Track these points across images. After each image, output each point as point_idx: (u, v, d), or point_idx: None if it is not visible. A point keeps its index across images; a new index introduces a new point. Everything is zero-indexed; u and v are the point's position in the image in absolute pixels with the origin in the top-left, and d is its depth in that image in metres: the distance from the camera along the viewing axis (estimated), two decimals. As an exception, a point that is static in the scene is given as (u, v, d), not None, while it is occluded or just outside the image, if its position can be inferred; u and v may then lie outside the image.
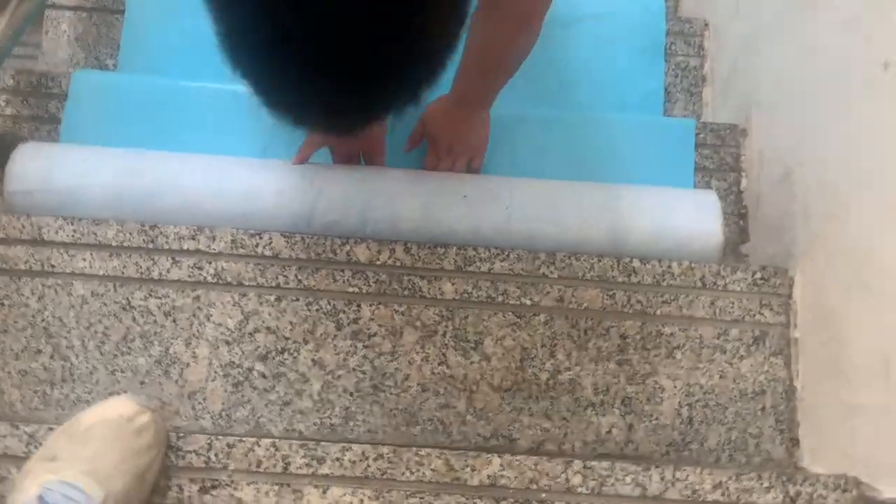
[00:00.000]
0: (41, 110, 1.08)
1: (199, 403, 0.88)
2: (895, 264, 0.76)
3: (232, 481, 0.73)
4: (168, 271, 0.90)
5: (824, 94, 0.92)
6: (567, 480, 0.74)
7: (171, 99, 1.09)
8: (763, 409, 0.92)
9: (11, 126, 1.08)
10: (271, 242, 0.91)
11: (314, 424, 0.89)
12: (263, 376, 0.89)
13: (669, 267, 0.93)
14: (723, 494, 0.75)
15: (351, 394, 0.90)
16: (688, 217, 0.98)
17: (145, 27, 1.23)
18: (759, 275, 0.94)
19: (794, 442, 0.91)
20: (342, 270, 0.90)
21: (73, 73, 1.11)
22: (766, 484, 0.75)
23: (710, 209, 0.99)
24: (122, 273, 0.90)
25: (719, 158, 1.13)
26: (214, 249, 0.90)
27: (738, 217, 1.12)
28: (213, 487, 0.73)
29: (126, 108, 1.09)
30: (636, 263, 0.93)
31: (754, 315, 0.93)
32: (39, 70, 1.16)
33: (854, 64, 0.85)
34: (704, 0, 1.35)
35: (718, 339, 0.92)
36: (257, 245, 0.90)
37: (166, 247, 0.90)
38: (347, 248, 0.91)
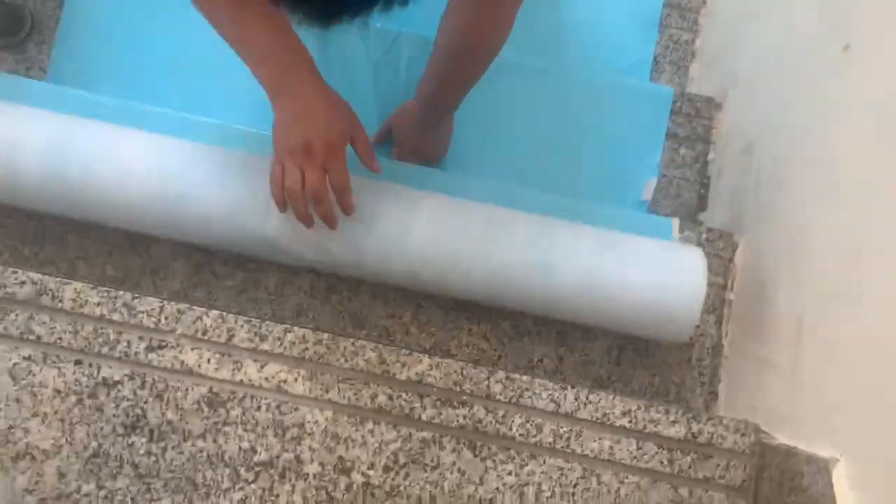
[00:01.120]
0: (48, -13, 1.12)
1: (160, 280, 0.93)
2: (821, 235, 0.81)
3: (178, 344, 0.78)
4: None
5: (791, 73, 0.96)
6: (488, 388, 0.80)
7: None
8: (689, 360, 0.97)
9: (19, -1, 1.11)
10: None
11: (265, 314, 0.94)
12: (224, 264, 0.94)
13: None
14: (630, 421, 0.80)
15: (305, 292, 0.95)
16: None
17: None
18: (705, 236, 0.99)
19: (714, 395, 0.97)
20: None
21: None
22: (672, 418, 0.81)
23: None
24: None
25: (691, 128, 1.17)
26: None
27: (700, 186, 1.16)
28: (160, 347, 0.78)
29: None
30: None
31: (694, 273, 0.98)
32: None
33: (819, 45, 0.89)
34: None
35: (657, 289, 0.97)
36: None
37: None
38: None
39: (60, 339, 0.78)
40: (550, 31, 1.26)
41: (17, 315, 0.78)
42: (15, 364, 0.77)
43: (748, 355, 0.92)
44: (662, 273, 0.87)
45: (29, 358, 0.77)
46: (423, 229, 0.86)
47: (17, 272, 0.79)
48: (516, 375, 0.80)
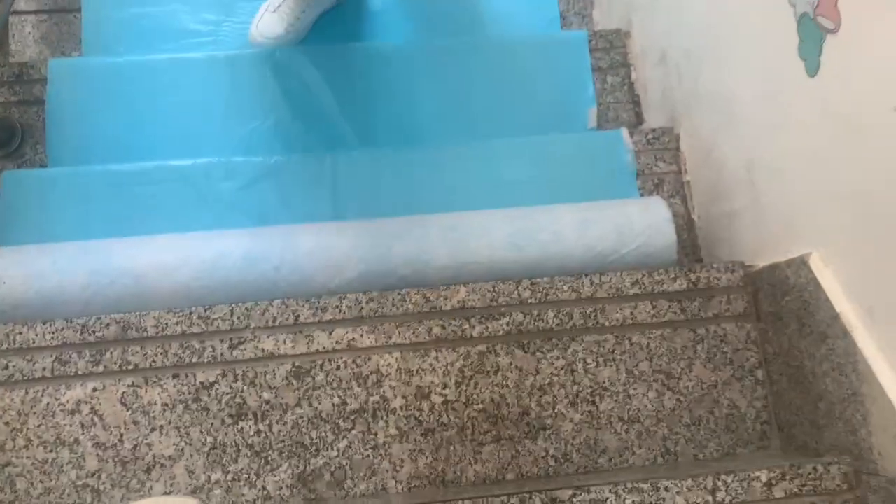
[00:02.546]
0: (27, 95, 1.24)
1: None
2: (745, 96, 0.98)
3: (254, 336, 0.91)
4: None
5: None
6: (519, 295, 0.94)
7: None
8: (670, 240, 1.13)
9: (3, 111, 1.23)
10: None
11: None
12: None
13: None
14: (640, 288, 0.95)
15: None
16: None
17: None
18: (650, 135, 1.16)
19: (700, 262, 1.13)
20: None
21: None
22: (672, 276, 0.96)
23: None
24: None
25: (611, 59, 1.34)
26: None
27: (633, 104, 1.33)
28: (240, 343, 0.91)
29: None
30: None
31: (651, 167, 1.14)
32: (18, 62, 1.31)
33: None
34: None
35: (626, 189, 1.13)
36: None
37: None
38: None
39: (154, 361, 0.89)
40: (470, 16, 1.42)
41: (111, 352, 0.89)
42: (123, 393, 0.89)
43: (716, 216, 1.09)
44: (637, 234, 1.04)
45: (133, 385, 0.89)
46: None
47: (100, 318, 0.90)
48: (538, 279, 0.95)
